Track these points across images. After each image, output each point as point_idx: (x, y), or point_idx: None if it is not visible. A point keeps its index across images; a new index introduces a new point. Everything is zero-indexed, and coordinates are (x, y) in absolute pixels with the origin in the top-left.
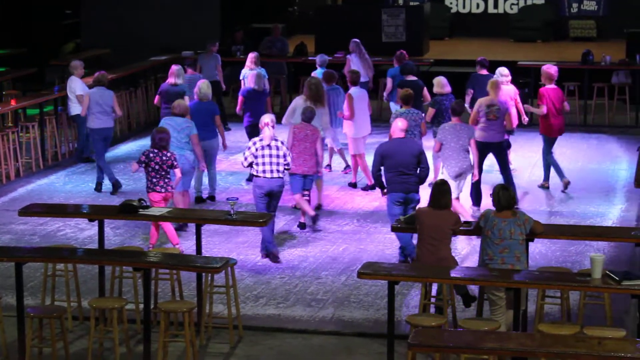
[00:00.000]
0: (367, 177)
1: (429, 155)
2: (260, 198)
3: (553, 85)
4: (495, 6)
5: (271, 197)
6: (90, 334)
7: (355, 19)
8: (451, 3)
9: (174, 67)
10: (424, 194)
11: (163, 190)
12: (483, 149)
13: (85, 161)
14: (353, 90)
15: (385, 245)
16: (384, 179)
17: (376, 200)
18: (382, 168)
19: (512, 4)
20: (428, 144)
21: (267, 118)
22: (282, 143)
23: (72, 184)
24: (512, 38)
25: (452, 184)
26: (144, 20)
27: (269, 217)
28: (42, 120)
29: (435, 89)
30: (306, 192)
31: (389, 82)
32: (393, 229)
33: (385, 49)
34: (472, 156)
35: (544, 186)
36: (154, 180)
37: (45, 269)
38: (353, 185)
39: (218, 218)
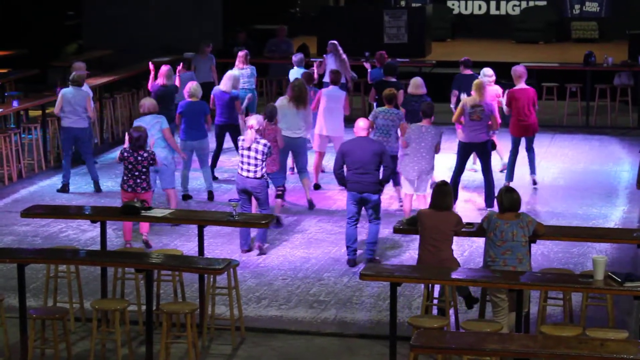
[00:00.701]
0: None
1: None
2: (238, 193)
3: (522, 86)
4: (497, 7)
5: (249, 196)
6: (92, 336)
7: (357, 20)
8: (453, 4)
9: (164, 68)
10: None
11: (130, 189)
12: (466, 150)
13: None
14: (328, 88)
15: (386, 246)
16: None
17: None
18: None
19: (514, 5)
20: None
21: (252, 120)
22: (264, 145)
23: (74, 186)
24: (514, 39)
25: (408, 183)
26: (146, 21)
27: (271, 218)
28: (44, 122)
29: (410, 90)
30: (279, 188)
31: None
32: (395, 231)
33: (387, 50)
34: (434, 160)
35: (535, 182)
36: (124, 178)
37: (48, 270)
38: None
39: (220, 219)
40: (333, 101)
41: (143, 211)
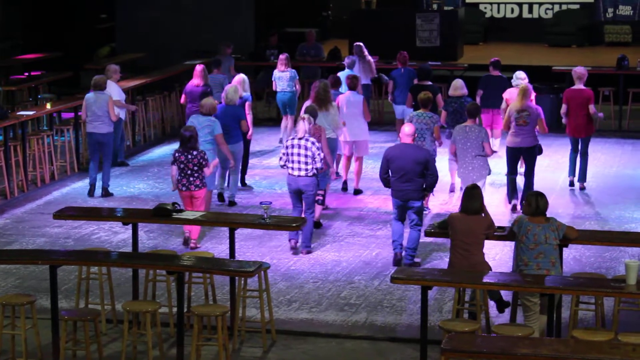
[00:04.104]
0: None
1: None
2: (290, 194)
3: (578, 86)
4: (530, 11)
5: (299, 195)
6: (123, 337)
7: (390, 23)
8: (485, 8)
9: (198, 68)
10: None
11: (184, 188)
12: (515, 154)
13: (120, 165)
14: (346, 94)
15: (418, 250)
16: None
17: None
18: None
19: (547, 8)
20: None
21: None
22: (312, 143)
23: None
24: (547, 43)
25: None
26: (178, 24)
27: (303, 221)
28: (76, 124)
29: (450, 92)
30: (319, 192)
31: (391, 83)
32: (426, 234)
33: (420, 53)
34: (489, 159)
35: (581, 188)
36: (179, 177)
37: (80, 272)
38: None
39: (251, 222)
40: (352, 106)
41: (175, 213)
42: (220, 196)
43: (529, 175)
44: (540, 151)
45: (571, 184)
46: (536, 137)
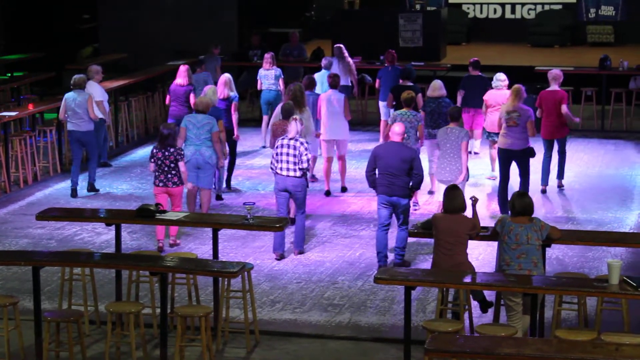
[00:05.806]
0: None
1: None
2: (277, 193)
3: (552, 87)
4: (513, 11)
5: (287, 196)
6: (107, 338)
7: (372, 23)
8: (468, 8)
9: (182, 68)
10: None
11: (161, 184)
12: (506, 156)
13: (103, 166)
14: (327, 93)
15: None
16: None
17: None
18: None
19: (530, 9)
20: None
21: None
22: (301, 143)
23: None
24: (530, 43)
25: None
26: (161, 25)
27: (285, 221)
28: (59, 125)
29: (429, 92)
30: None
31: (378, 81)
32: (410, 234)
33: (402, 53)
34: (463, 159)
35: (559, 186)
36: (156, 174)
37: (63, 273)
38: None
39: (235, 223)
40: (333, 104)
41: (158, 214)
42: (218, 196)
43: (524, 176)
44: (532, 154)
45: (543, 192)
46: (527, 139)
